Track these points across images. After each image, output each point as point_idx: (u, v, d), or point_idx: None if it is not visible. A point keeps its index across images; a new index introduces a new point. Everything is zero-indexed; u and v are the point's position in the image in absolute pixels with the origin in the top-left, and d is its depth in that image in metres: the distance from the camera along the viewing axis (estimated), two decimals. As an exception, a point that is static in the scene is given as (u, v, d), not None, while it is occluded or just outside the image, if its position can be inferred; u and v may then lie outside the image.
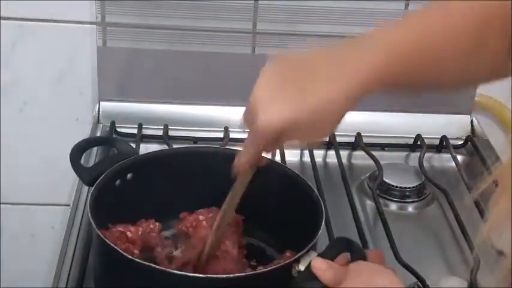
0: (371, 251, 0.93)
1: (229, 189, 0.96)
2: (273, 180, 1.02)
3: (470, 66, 0.82)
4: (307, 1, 1.33)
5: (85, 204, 1.14)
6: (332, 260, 0.84)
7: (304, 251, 0.87)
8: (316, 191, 1.00)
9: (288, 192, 1.01)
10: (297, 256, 0.86)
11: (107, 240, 0.88)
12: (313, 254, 0.86)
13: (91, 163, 1.18)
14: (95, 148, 1.26)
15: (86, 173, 1.00)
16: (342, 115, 0.81)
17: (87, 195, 1.08)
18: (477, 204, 1.14)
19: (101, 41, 1.34)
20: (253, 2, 1.33)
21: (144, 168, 1.03)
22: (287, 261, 0.87)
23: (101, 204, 0.94)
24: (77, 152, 1.02)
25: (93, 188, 0.96)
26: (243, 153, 0.87)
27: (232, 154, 1.06)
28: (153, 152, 1.12)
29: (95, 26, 1.33)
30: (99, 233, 0.89)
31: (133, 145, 1.28)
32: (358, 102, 0.80)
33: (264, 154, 0.88)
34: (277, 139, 0.81)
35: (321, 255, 0.86)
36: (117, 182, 1.00)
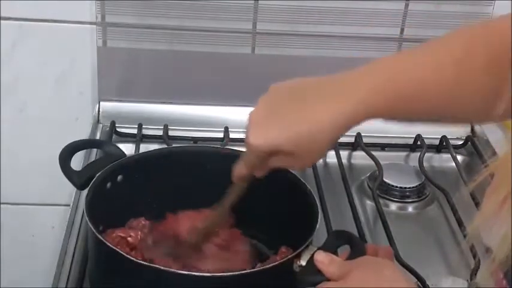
0: (381, 247, 0.93)
1: (220, 189, 0.97)
2: (267, 178, 1.02)
3: (454, 101, 0.83)
4: (307, 1, 1.33)
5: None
6: (332, 253, 0.85)
7: (305, 245, 0.87)
8: (308, 185, 1.01)
9: (279, 187, 1.01)
10: (298, 251, 0.87)
11: (108, 244, 0.88)
12: (313, 248, 0.86)
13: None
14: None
15: (76, 177, 1.01)
16: (328, 144, 0.84)
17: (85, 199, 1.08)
18: (476, 203, 1.14)
19: (101, 41, 1.34)
20: (253, 2, 1.33)
21: (134, 169, 1.04)
22: (289, 256, 0.88)
23: (96, 208, 0.94)
24: (66, 156, 1.02)
25: (86, 192, 0.97)
26: (238, 165, 0.92)
27: (219, 153, 1.08)
28: (141, 153, 1.13)
29: (95, 26, 1.33)
30: (100, 236, 0.89)
31: (133, 145, 1.28)
32: (344, 133, 0.83)
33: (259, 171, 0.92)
34: (265, 160, 0.87)
35: (321, 248, 0.86)
36: (108, 184, 1.01)
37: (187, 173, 1.06)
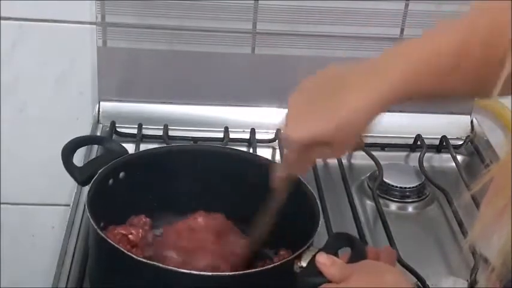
0: (383, 249, 0.93)
1: (222, 187, 0.97)
2: (264, 178, 1.02)
3: (481, 77, 0.83)
4: (307, 1, 1.33)
5: (85, 204, 1.14)
6: (333, 254, 0.85)
7: (306, 246, 0.87)
8: (308, 185, 1.01)
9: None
10: (299, 252, 0.87)
11: (109, 240, 0.88)
12: (314, 250, 0.86)
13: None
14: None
15: (78, 173, 1.01)
16: (365, 129, 0.85)
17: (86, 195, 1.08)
18: (477, 203, 1.14)
19: (101, 41, 1.34)
20: (253, 2, 1.33)
21: (136, 166, 1.04)
22: (290, 257, 0.88)
23: (98, 205, 0.94)
24: (68, 152, 1.02)
25: (88, 188, 0.97)
26: (279, 168, 0.94)
27: (220, 152, 1.08)
28: (143, 150, 1.14)
29: (95, 26, 1.33)
30: (101, 233, 0.89)
31: (134, 145, 1.28)
32: (380, 114, 0.84)
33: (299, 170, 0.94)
34: (306, 153, 0.87)
35: (322, 250, 0.86)
36: (110, 181, 1.01)
37: (188, 171, 1.07)
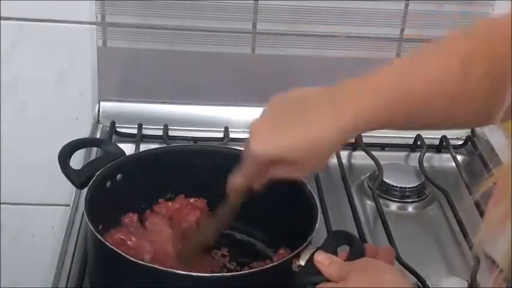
0: (381, 247, 0.93)
1: (221, 189, 0.97)
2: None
3: (456, 109, 0.83)
4: (307, 1, 1.33)
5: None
6: (331, 253, 0.85)
7: (304, 245, 0.87)
8: (308, 185, 1.01)
9: (279, 187, 1.01)
10: (297, 251, 0.87)
11: (107, 244, 0.88)
12: (312, 248, 0.87)
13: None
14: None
15: (75, 176, 1.00)
16: (329, 154, 0.87)
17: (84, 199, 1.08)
18: (477, 204, 1.14)
19: (101, 41, 1.34)
20: (253, 2, 1.33)
21: (134, 168, 1.04)
22: (288, 256, 0.88)
23: (96, 207, 0.94)
24: (65, 155, 1.02)
25: (86, 191, 0.97)
26: (234, 176, 0.92)
27: (218, 152, 1.08)
28: (141, 151, 1.14)
29: (95, 26, 1.33)
30: (99, 236, 0.89)
31: (133, 145, 1.28)
32: (346, 142, 0.86)
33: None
34: (265, 168, 0.88)
35: (320, 248, 0.86)
36: (108, 183, 1.01)
37: (187, 172, 1.07)
